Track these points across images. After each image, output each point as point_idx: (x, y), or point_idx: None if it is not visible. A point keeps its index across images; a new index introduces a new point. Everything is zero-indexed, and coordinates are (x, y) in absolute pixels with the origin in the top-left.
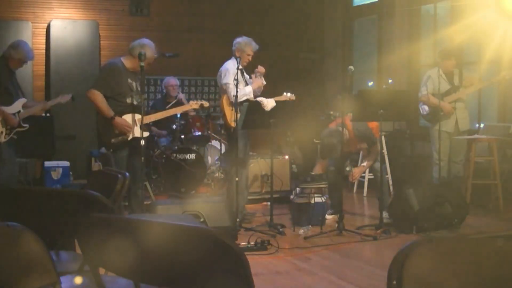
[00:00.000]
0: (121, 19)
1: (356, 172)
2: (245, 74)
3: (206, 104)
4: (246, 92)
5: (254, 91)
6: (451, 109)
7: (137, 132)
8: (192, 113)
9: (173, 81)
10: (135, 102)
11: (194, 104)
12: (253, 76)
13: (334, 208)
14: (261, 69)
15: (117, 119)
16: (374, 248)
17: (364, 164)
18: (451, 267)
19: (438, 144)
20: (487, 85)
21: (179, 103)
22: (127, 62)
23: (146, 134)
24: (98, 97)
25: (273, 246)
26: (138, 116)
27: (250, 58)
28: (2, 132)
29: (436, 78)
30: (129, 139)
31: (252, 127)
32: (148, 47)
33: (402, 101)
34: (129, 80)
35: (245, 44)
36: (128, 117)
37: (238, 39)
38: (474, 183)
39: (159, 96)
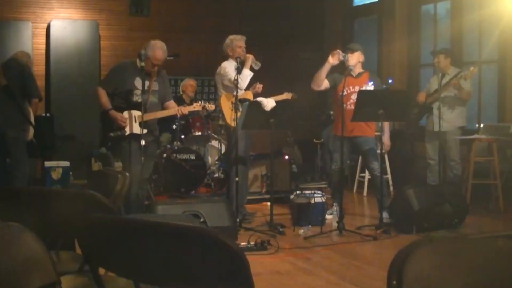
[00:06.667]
0: (121, 19)
1: (386, 140)
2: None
3: (211, 107)
4: (247, 74)
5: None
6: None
7: (136, 128)
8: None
9: (192, 81)
10: (139, 100)
11: (197, 106)
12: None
13: (336, 201)
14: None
15: (111, 112)
16: (374, 248)
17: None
18: (451, 267)
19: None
20: (455, 84)
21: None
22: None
23: (144, 131)
24: (99, 93)
25: (273, 246)
26: (138, 113)
27: (242, 50)
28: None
29: (432, 79)
30: (126, 134)
31: (252, 127)
32: (150, 46)
33: (402, 101)
34: (138, 79)
35: (231, 40)
36: (127, 114)
37: (225, 41)
38: (474, 183)
39: None
